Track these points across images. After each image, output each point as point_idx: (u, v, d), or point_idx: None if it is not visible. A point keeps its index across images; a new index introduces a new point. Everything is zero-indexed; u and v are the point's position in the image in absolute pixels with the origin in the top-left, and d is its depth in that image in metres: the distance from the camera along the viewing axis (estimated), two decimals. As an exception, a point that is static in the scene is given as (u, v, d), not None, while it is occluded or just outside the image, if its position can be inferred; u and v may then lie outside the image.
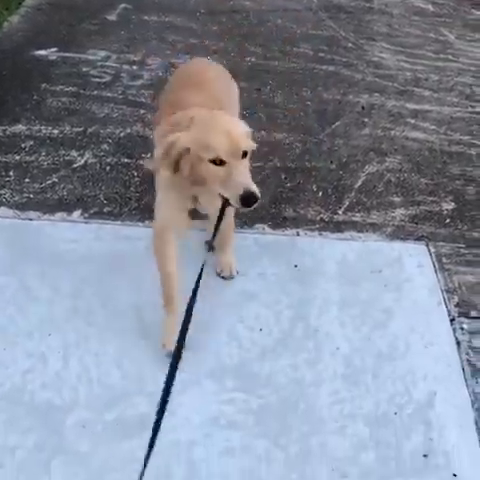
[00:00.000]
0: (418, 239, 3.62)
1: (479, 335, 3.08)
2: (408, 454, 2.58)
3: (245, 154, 2.45)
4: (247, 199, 2.38)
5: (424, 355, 2.96)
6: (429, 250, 3.53)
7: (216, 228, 2.62)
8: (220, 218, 2.61)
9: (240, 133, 2.48)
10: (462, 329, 3.09)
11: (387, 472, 2.52)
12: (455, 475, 2.51)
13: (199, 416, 2.65)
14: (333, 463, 2.55)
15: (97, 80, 4.85)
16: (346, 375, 2.88)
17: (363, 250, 3.53)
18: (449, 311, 3.18)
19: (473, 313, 3.18)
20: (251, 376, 2.82)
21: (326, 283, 3.32)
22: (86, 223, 3.62)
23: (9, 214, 3.66)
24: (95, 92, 4.71)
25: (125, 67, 5.00)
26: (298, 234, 3.64)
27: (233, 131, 2.45)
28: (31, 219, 3.62)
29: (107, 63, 5.00)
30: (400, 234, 3.67)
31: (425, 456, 2.57)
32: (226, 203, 2.51)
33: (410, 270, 3.41)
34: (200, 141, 2.44)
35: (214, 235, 2.63)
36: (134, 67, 5.00)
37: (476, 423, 2.69)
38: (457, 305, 3.22)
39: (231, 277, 3.24)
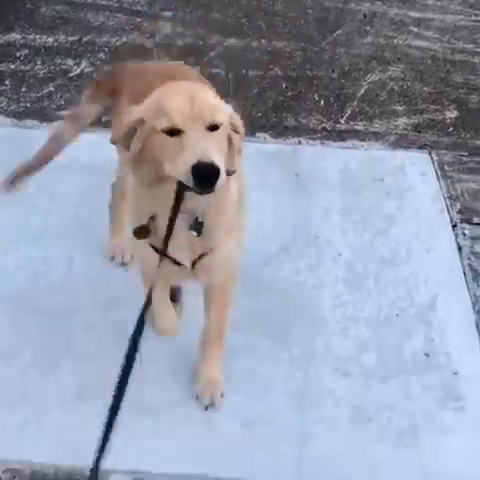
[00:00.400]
0: (421, 148, 3.60)
1: (480, 240, 3.08)
2: (409, 354, 2.62)
3: (214, 127, 1.83)
4: (201, 171, 1.72)
5: (426, 260, 2.98)
6: (432, 158, 3.51)
7: (167, 234, 1.93)
8: (171, 220, 1.90)
9: (209, 102, 1.87)
10: (464, 235, 3.10)
11: (388, 371, 2.56)
12: (456, 374, 2.55)
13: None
14: (336, 362, 2.59)
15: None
16: (348, 279, 2.90)
17: (365, 159, 3.51)
18: (451, 218, 3.19)
19: (475, 219, 3.19)
20: (255, 281, 2.83)
21: (328, 191, 3.31)
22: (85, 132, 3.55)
23: (6, 122, 3.61)
24: (89, 0, 4.57)
25: (120, -26, 4.82)
26: (300, 143, 3.60)
27: (199, 97, 1.85)
28: (29, 127, 3.56)
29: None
30: (403, 143, 3.64)
31: (426, 355, 2.61)
32: (179, 190, 1.85)
33: (412, 178, 3.40)
34: (155, 108, 1.86)
35: (165, 242, 1.93)
36: (129, -27, 4.83)
37: (477, 325, 2.73)
38: (459, 212, 3.23)
39: (212, 405, 2.40)
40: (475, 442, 2.35)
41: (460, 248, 3.04)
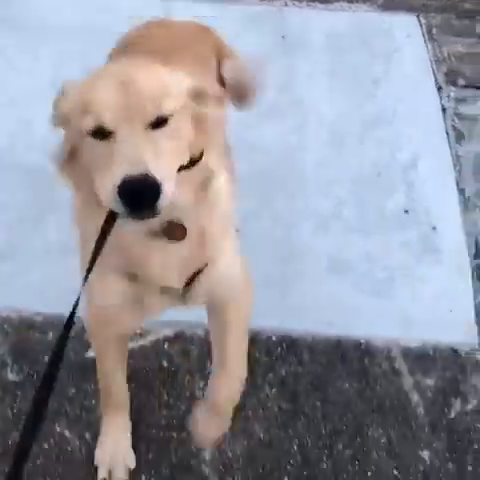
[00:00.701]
0: (409, 10, 3.50)
1: (465, 102, 3.07)
2: (389, 211, 2.66)
3: (161, 121, 1.35)
4: (127, 191, 1.25)
5: (410, 121, 2.98)
6: (419, 21, 3.44)
7: (88, 268, 1.41)
8: (94, 256, 1.39)
9: (150, 83, 1.36)
10: (448, 97, 3.08)
11: (368, 227, 2.61)
12: (434, 228, 2.60)
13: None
14: (317, 218, 2.63)
15: None
16: (332, 141, 2.91)
17: (353, 21, 3.44)
18: (436, 80, 3.16)
19: (460, 82, 3.15)
20: (238, 144, 2.83)
21: (314, 54, 3.25)
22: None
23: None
24: None
25: None
26: (286, 4, 3.51)
27: (138, 82, 1.35)
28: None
29: None
30: (391, 6, 3.54)
31: (406, 212, 2.65)
32: (109, 216, 1.39)
33: (400, 41, 3.34)
34: (81, 101, 1.37)
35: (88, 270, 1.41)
36: None
37: (457, 183, 2.75)
38: (445, 74, 3.19)
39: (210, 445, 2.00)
40: (449, 291, 2.43)
41: (444, 109, 3.03)
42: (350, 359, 2.25)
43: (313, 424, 2.10)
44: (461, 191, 2.74)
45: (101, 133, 1.32)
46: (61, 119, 1.42)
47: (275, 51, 3.25)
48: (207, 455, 2.04)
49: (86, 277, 1.39)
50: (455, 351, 2.29)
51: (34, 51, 3.10)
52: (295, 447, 2.05)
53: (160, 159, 1.30)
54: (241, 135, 2.77)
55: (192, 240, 1.51)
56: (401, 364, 2.24)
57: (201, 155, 1.44)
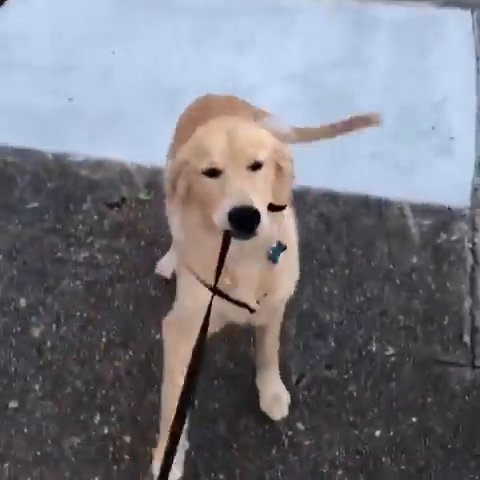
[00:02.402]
0: (465, 7, 4.48)
1: (496, 68, 3.99)
2: (418, 131, 3.60)
3: (257, 166, 1.69)
4: (238, 218, 1.60)
5: (450, 77, 3.93)
6: (472, 14, 4.41)
7: (216, 276, 1.74)
8: (220, 263, 1.73)
9: (250, 135, 1.72)
10: (485, 60, 4.02)
11: (404, 135, 3.55)
12: (452, 138, 3.53)
13: None
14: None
15: None
16: (390, 82, 3.89)
17: (415, 13, 4.45)
18: (477, 53, 4.10)
19: (495, 55, 4.09)
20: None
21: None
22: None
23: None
24: None
25: None
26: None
27: (238, 131, 1.71)
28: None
29: None
30: (450, 3, 4.53)
31: (433, 128, 3.59)
32: (225, 237, 1.71)
33: (452, 27, 4.33)
34: (195, 147, 1.74)
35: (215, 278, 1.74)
36: None
37: (476, 114, 3.67)
38: (485, 42, 4.13)
39: (283, 416, 2.46)
40: (455, 173, 3.35)
41: (478, 71, 3.97)
42: (373, 206, 3.19)
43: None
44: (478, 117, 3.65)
45: (213, 172, 1.68)
46: (179, 164, 1.75)
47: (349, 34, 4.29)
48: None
49: (216, 282, 1.74)
50: (449, 208, 3.18)
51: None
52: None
53: (257, 195, 1.64)
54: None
55: (265, 267, 1.87)
56: (408, 211, 3.16)
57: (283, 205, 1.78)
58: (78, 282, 2.90)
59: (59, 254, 3.01)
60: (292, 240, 1.97)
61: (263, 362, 2.43)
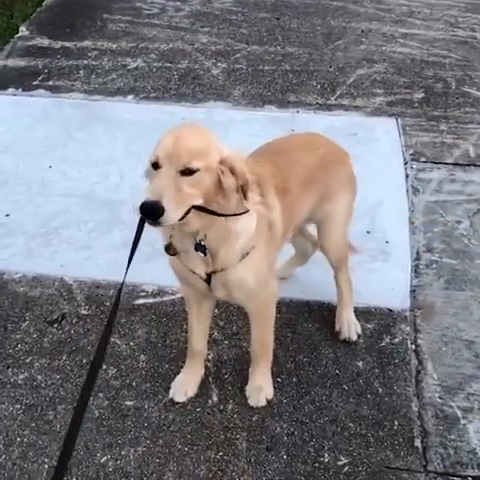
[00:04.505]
0: (390, 115, 4.71)
1: (423, 171, 4.16)
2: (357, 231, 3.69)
3: (190, 172, 2.07)
4: (144, 208, 2.02)
5: (381, 182, 4.06)
6: (397, 122, 4.62)
7: (134, 244, 2.22)
8: (135, 241, 2.20)
9: (192, 146, 2.10)
10: (412, 168, 4.18)
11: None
12: (387, 242, 3.62)
13: None
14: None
15: (147, 12, 6.04)
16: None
17: (346, 121, 4.64)
18: (404, 157, 4.27)
19: (422, 159, 4.27)
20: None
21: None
22: (137, 103, 4.82)
23: (80, 97, 4.88)
24: (146, 20, 5.90)
25: (170, 3, 6.17)
26: (298, 112, 4.76)
27: (186, 138, 2.11)
28: (96, 100, 4.84)
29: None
30: (377, 113, 4.76)
31: (368, 232, 3.68)
32: (140, 220, 2.17)
33: (379, 134, 4.51)
34: (157, 143, 2.17)
35: (131, 253, 2.22)
36: (177, 2, 6.17)
37: (409, 218, 3.79)
38: (411, 154, 4.31)
39: (259, 405, 2.81)
40: (393, 278, 3.40)
41: (407, 175, 4.13)
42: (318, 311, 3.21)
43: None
44: (411, 222, 3.76)
45: (155, 165, 2.09)
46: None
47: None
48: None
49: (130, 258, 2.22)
50: (390, 310, 3.22)
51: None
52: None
53: (175, 196, 2.02)
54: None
55: (211, 253, 2.34)
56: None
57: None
58: (18, 406, 2.78)
59: (-3, 376, 2.90)
60: (250, 242, 2.35)
61: (253, 356, 2.79)
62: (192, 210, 2.13)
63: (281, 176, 2.52)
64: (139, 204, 2.01)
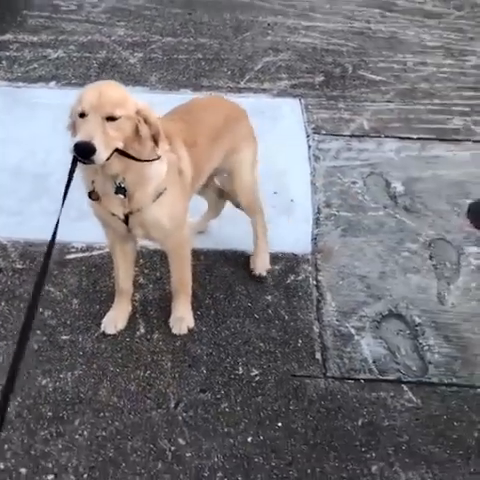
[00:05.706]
0: (294, 96, 5.19)
1: (323, 142, 4.64)
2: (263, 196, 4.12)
3: (111, 118, 2.45)
4: (78, 147, 2.38)
5: (287, 152, 4.52)
6: (300, 102, 5.10)
7: (67, 186, 2.51)
8: (68, 180, 2.51)
9: (113, 98, 2.49)
10: (313, 139, 4.66)
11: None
12: (292, 200, 4.07)
13: None
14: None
15: (65, 8, 6.36)
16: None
17: (255, 102, 5.08)
18: (307, 131, 4.75)
19: (322, 131, 4.75)
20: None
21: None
22: (60, 89, 5.14)
23: (4, 84, 5.17)
24: (64, 16, 6.22)
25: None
26: (211, 94, 5.18)
27: (108, 91, 2.49)
28: (19, 87, 5.13)
29: (73, -4, 6.51)
30: (282, 94, 5.23)
31: (275, 193, 4.12)
32: (73, 160, 2.50)
33: (285, 112, 4.98)
34: (79, 98, 2.51)
35: (67, 185, 2.51)
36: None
37: (311, 180, 4.26)
38: (313, 128, 4.79)
39: (180, 333, 3.16)
40: (296, 230, 3.85)
41: (309, 146, 4.60)
42: (232, 257, 3.63)
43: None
44: (313, 183, 4.23)
45: (82, 115, 2.46)
46: (73, 109, 2.54)
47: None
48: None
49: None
50: (295, 255, 3.67)
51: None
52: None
53: (103, 137, 2.40)
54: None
55: (128, 195, 2.67)
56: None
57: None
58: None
59: None
60: (162, 185, 2.71)
61: (174, 290, 3.14)
62: (114, 154, 2.49)
63: (189, 131, 2.95)
64: (73, 145, 2.38)
